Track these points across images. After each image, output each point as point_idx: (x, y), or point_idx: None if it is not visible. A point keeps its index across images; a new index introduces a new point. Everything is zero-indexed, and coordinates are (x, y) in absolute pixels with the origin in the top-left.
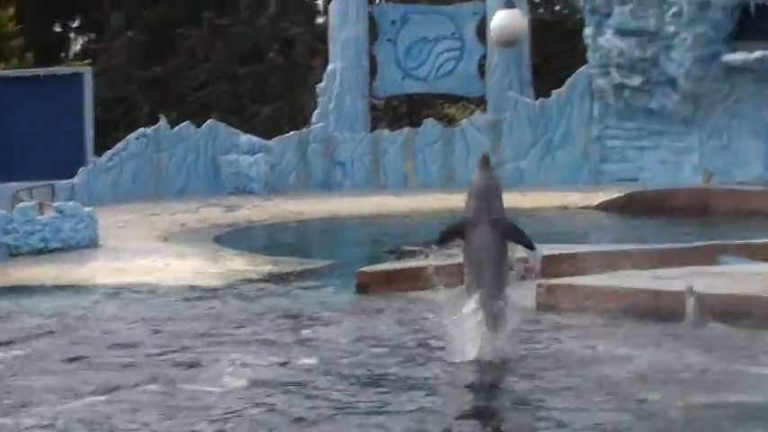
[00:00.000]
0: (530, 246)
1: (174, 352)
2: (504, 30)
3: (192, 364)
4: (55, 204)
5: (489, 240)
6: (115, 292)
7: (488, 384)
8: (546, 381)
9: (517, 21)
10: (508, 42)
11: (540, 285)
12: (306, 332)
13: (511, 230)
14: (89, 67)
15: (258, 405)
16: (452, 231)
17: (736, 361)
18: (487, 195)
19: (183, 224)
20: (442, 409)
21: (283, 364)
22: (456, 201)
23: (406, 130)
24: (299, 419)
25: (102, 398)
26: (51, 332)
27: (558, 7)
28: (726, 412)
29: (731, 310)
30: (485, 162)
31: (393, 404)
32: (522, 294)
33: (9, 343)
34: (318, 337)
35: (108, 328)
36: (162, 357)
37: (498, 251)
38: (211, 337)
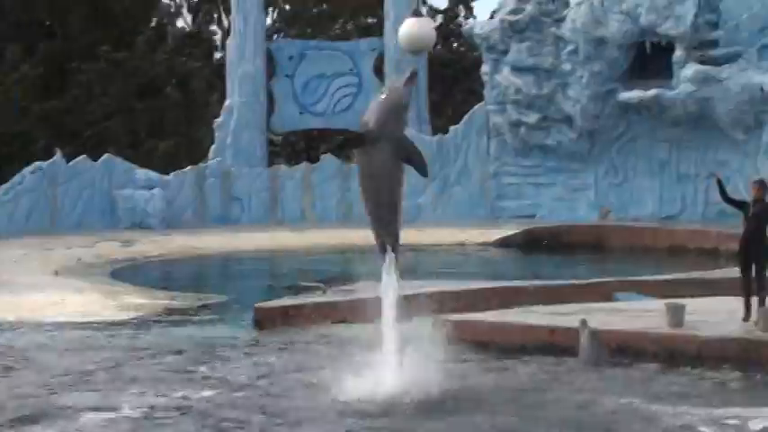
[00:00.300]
0: (423, 170)
1: (71, 385)
2: (412, 37)
3: (90, 397)
4: None
5: (388, 163)
6: (9, 327)
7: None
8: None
9: (425, 29)
10: (417, 50)
11: (442, 321)
12: (202, 368)
13: (411, 150)
14: None
15: None
16: (355, 140)
17: (629, 396)
18: (397, 111)
19: (79, 259)
20: None
21: (179, 398)
22: (353, 236)
23: (304, 165)
24: None
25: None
26: None
27: (455, 44)
28: None
29: (626, 346)
30: (412, 77)
31: None
32: (425, 330)
33: None
34: (214, 373)
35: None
36: (59, 390)
37: (397, 179)
38: (107, 372)
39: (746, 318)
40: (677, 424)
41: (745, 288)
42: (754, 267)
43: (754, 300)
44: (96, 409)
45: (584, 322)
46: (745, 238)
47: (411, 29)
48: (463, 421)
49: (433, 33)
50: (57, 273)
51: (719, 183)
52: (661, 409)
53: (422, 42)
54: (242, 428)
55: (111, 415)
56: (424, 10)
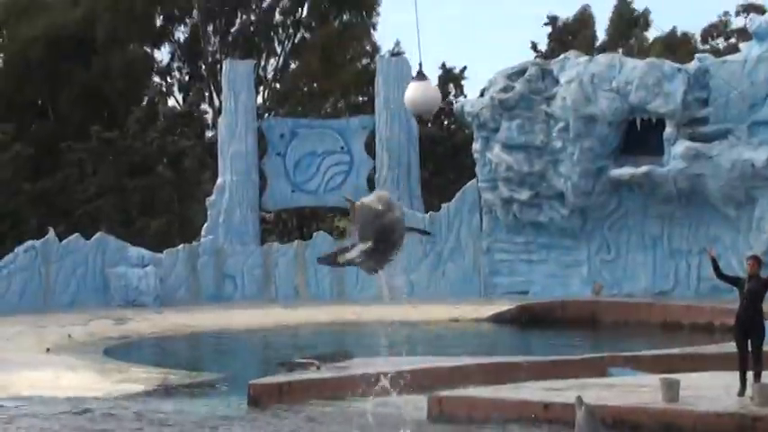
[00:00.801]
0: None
1: None
2: (416, 101)
3: None
4: None
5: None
6: (2, 405)
7: None
8: None
9: (429, 92)
10: (422, 113)
11: (431, 397)
12: None
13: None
14: None
15: None
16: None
17: None
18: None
19: (69, 335)
20: None
21: None
22: (347, 313)
23: (297, 242)
24: None
25: None
26: None
27: (446, 122)
28: None
29: (622, 422)
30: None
31: None
32: (413, 405)
33: None
34: None
35: None
36: None
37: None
38: None
39: (742, 392)
40: None
41: (741, 363)
42: (750, 342)
43: (750, 375)
44: None
45: (579, 399)
46: (741, 314)
47: (415, 93)
48: None
49: (438, 96)
50: (48, 350)
51: (713, 260)
52: None
53: (426, 105)
54: None
55: None
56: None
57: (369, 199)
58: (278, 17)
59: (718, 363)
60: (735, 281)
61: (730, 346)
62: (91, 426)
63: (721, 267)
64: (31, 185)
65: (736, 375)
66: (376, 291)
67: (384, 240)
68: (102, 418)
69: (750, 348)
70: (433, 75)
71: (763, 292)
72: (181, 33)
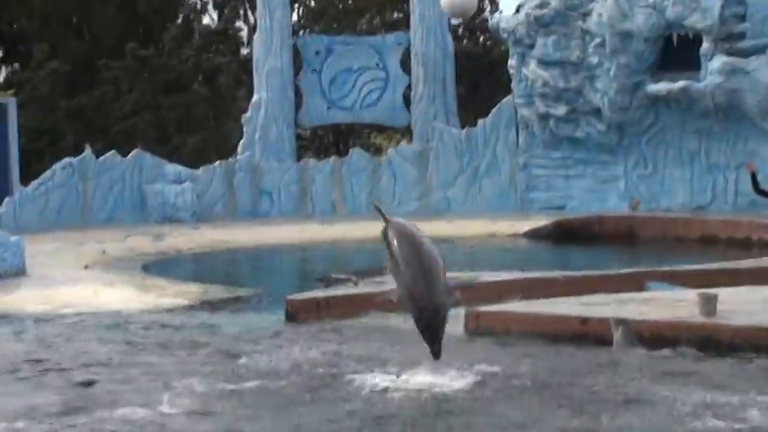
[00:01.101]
0: None
1: (110, 376)
2: (454, 3)
3: (136, 391)
4: None
5: None
6: (45, 320)
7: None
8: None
9: None
10: (458, 16)
11: (469, 312)
12: (242, 360)
13: None
14: (13, 98)
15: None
16: None
17: (675, 385)
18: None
19: (104, 252)
20: None
21: (222, 388)
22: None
23: (333, 159)
24: None
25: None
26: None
27: (482, 38)
28: None
29: (659, 335)
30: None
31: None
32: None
33: None
34: (254, 364)
35: (40, 356)
36: (101, 381)
37: None
38: (149, 366)
39: None
40: (735, 412)
41: None
42: None
43: None
44: (138, 403)
45: (615, 320)
46: None
47: None
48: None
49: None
50: (87, 266)
51: (753, 174)
52: (712, 396)
53: (463, 8)
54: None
55: (153, 407)
56: None
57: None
58: None
59: (755, 277)
60: None
61: None
62: (134, 340)
63: (759, 182)
64: (67, 102)
65: None
66: (414, 206)
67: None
68: (143, 332)
69: None
70: None
71: None
72: None
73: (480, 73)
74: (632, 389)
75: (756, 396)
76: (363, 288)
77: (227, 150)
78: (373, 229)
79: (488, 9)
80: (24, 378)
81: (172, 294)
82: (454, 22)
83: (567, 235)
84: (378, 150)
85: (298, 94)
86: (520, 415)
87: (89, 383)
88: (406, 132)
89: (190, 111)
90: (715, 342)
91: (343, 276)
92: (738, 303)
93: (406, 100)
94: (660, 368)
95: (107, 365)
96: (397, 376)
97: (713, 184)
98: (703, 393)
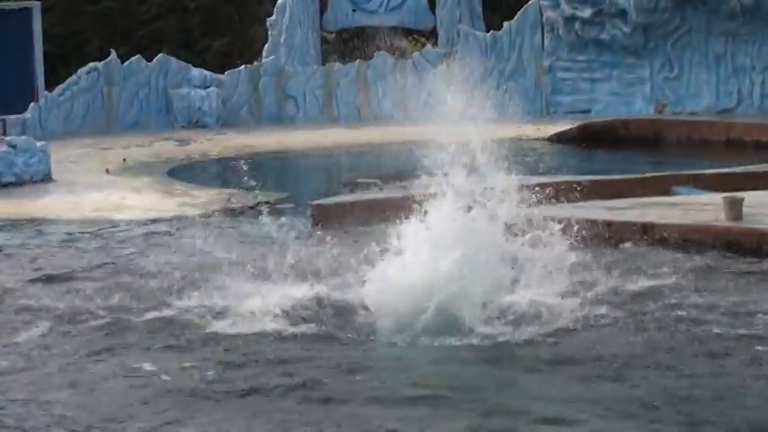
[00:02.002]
0: None
1: (155, 286)
2: None
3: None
4: (7, 139)
5: None
6: (75, 224)
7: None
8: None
9: None
10: None
11: None
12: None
13: None
14: (38, 2)
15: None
16: None
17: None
18: None
19: (124, 159)
20: None
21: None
22: (408, 133)
23: (358, 62)
24: None
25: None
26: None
27: None
28: None
29: (684, 239)
30: None
31: None
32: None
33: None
34: (287, 263)
35: (76, 264)
36: (152, 289)
37: None
38: (212, 270)
39: None
40: None
41: None
42: None
43: None
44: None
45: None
46: None
47: None
48: None
49: None
50: (108, 171)
51: None
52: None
53: None
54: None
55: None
56: None
57: None
58: None
59: None
60: None
61: None
62: (173, 244)
63: None
64: (92, 6)
65: None
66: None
67: None
68: (174, 237)
69: None
70: None
71: None
72: None
73: None
74: None
75: None
76: (389, 192)
77: (253, 54)
78: (399, 133)
79: None
80: None
81: (198, 199)
82: None
83: (593, 138)
84: (403, 54)
85: None
86: None
87: None
88: (431, 35)
89: (215, 14)
90: (741, 245)
91: (368, 181)
92: (765, 207)
93: (431, 2)
94: None
95: (150, 275)
96: None
97: (739, 86)
98: None
